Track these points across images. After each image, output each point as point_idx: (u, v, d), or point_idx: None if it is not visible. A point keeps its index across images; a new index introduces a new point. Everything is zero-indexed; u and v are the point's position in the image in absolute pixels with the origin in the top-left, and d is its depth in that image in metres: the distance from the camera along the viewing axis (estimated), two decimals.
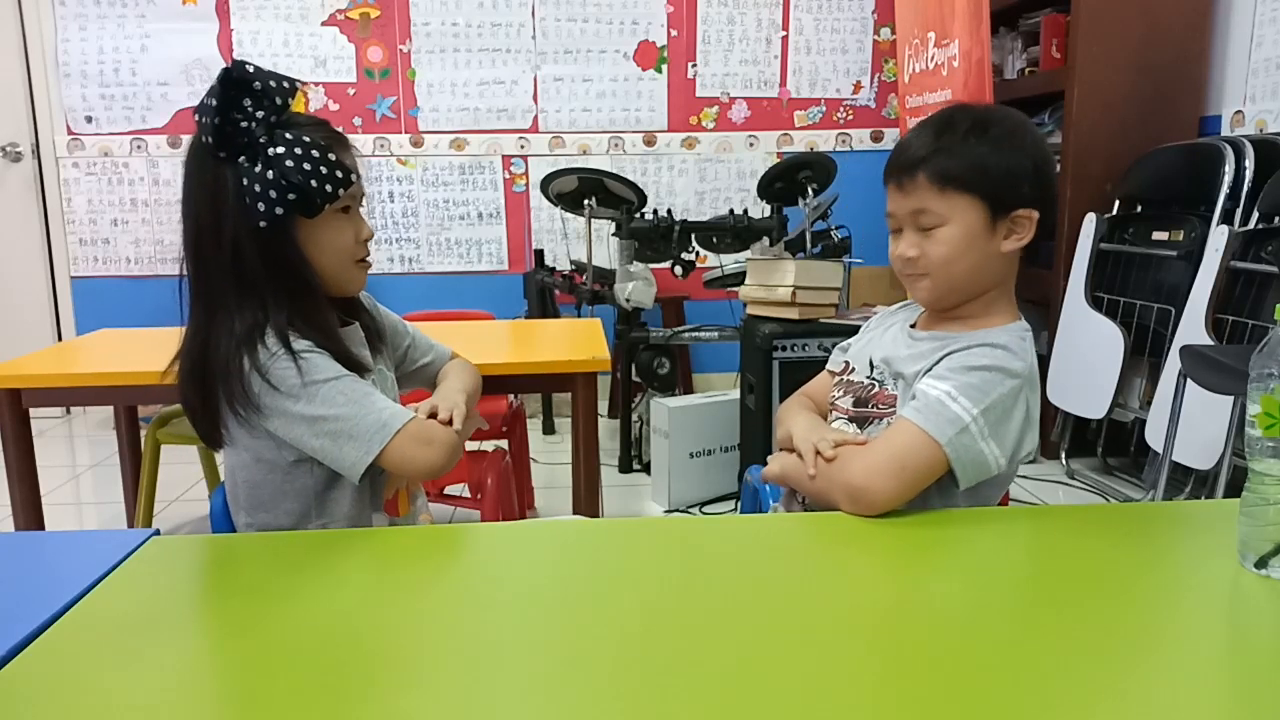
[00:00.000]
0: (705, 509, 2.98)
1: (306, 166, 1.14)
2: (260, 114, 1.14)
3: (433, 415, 1.24)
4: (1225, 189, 2.73)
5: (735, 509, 2.91)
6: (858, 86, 4.18)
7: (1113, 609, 0.85)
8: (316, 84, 4.02)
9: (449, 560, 1.02)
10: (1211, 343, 2.60)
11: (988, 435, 1.11)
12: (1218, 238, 2.68)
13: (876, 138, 4.21)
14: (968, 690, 0.71)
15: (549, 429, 3.88)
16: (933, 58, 3.50)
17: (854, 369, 1.32)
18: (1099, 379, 2.96)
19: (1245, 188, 2.70)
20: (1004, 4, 3.44)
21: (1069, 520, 1.11)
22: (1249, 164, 2.70)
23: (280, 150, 1.13)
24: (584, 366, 1.95)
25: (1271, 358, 0.87)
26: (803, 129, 4.19)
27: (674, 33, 4.09)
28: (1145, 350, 2.93)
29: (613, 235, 3.44)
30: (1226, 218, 2.72)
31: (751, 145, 4.18)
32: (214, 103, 1.11)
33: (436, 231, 4.16)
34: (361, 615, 0.86)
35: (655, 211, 3.40)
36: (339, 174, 1.17)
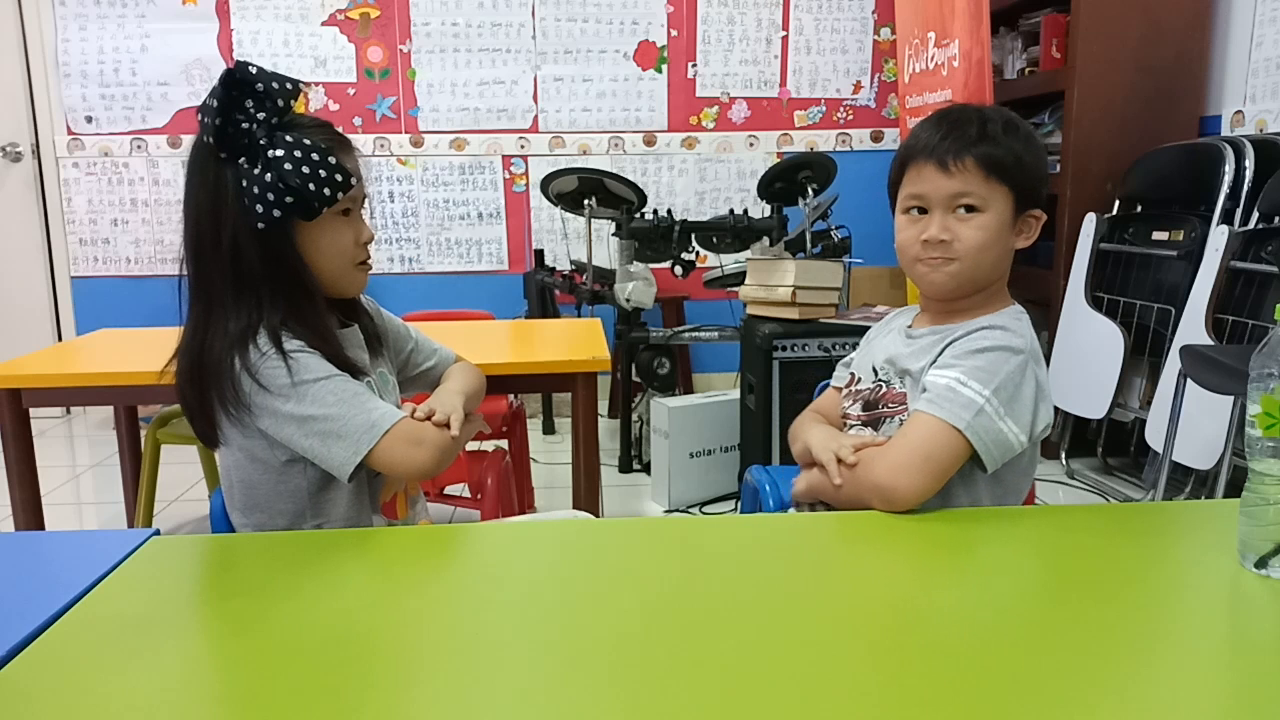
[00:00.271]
0: (705, 509, 2.98)
1: (305, 170, 1.14)
2: (261, 115, 1.14)
3: (429, 417, 1.24)
4: (1225, 189, 2.73)
5: (735, 509, 2.91)
6: (858, 86, 4.18)
7: (1112, 609, 0.85)
8: (316, 84, 4.02)
9: (449, 560, 1.02)
10: (1211, 343, 2.60)
11: (1003, 414, 1.12)
12: (1218, 238, 2.68)
13: (876, 138, 4.21)
14: (967, 689, 0.71)
15: (549, 429, 3.88)
16: (933, 58, 3.50)
17: (859, 379, 1.33)
18: (1099, 379, 2.96)
19: (1245, 188, 2.70)
20: (1004, 4, 3.44)
21: (1069, 520, 1.11)
22: (1249, 164, 2.70)
23: (279, 153, 1.13)
24: (584, 366, 1.95)
25: (1271, 358, 0.87)
26: (803, 129, 4.19)
27: (674, 33, 4.09)
28: (1145, 350, 2.93)
29: (613, 235, 3.44)
30: (1226, 218, 2.72)
31: (751, 145, 4.18)
32: (215, 103, 1.11)
33: (436, 231, 4.16)
34: (362, 615, 0.86)
35: (655, 211, 3.40)
36: (338, 177, 1.16)
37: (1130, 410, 3.01)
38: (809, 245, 3.15)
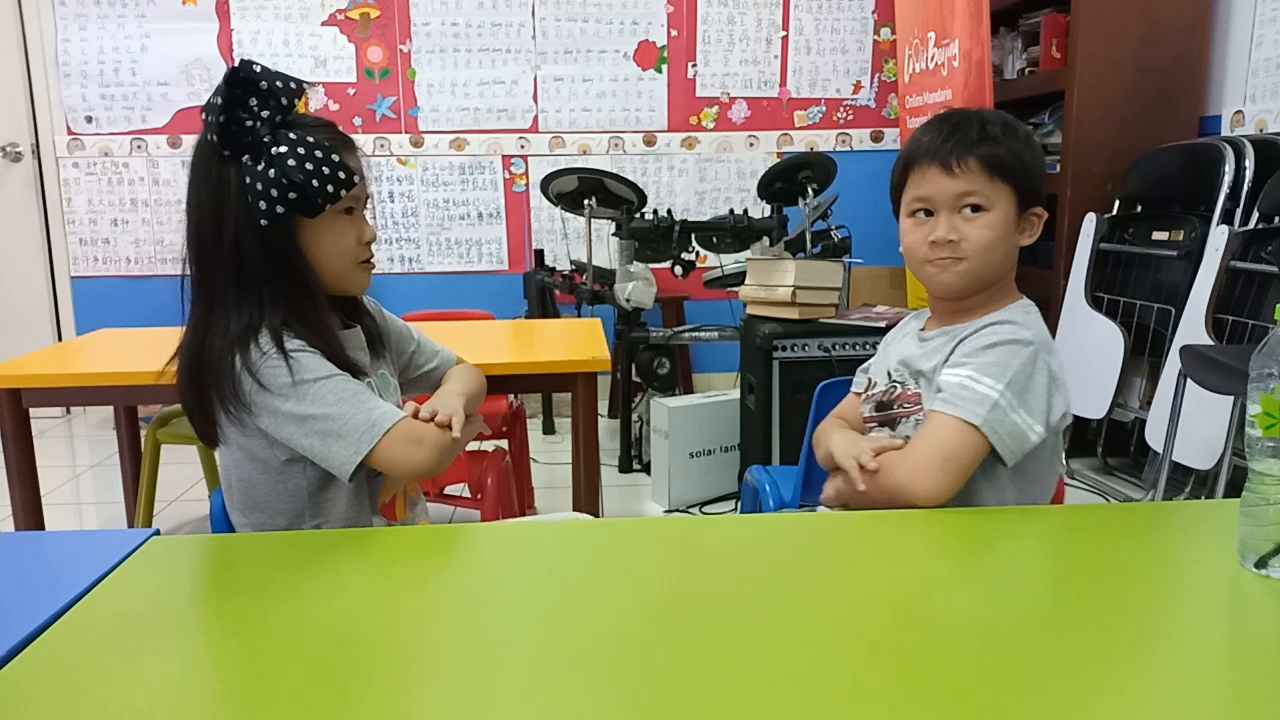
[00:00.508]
0: (705, 509, 2.98)
1: (309, 166, 1.14)
2: (265, 113, 1.14)
3: (432, 418, 1.24)
4: (1225, 189, 2.73)
5: (735, 509, 2.91)
6: (858, 86, 4.18)
7: (1112, 609, 0.85)
8: (316, 84, 4.01)
9: (449, 560, 1.02)
10: (1211, 343, 2.60)
11: (1017, 406, 1.13)
12: (1218, 238, 2.68)
13: (876, 138, 4.21)
14: (967, 689, 0.71)
15: (549, 429, 3.88)
16: (933, 58, 3.50)
17: (875, 384, 1.35)
18: (1099, 379, 2.96)
19: (1245, 188, 2.70)
20: (1004, 4, 3.44)
21: (1069, 520, 1.11)
22: (1249, 164, 2.70)
23: (283, 149, 1.13)
24: (584, 366, 1.95)
25: (1271, 358, 0.87)
26: (803, 129, 4.19)
27: (674, 33, 4.09)
28: (1145, 350, 2.93)
29: (613, 235, 3.44)
30: (1226, 218, 2.72)
31: (751, 145, 4.18)
32: (219, 101, 1.11)
33: (436, 231, 4.16)
34: (361, 615, 0.86)
35: (655, 211, 3.40)
36: (341, 175, 1.17)
37: (1130, 410, 3.01)
38: (809, 245, 3.15)
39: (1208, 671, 0.76)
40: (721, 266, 3.38)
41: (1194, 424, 2.55)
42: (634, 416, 3.34)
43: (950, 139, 1.19)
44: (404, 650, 0.79)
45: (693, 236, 3.40)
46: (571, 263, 3.77)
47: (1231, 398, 2.38)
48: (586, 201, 3.35)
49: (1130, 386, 3.02)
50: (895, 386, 1.29)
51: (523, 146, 4.12)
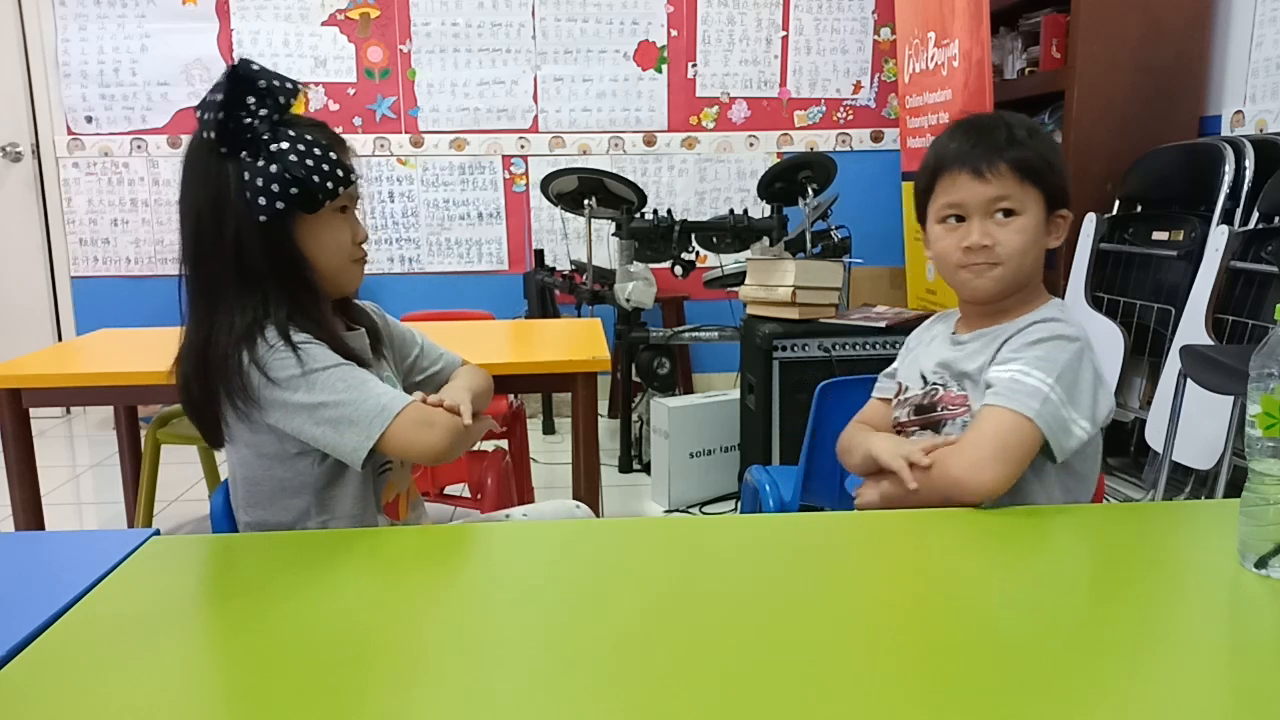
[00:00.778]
0: (705, 509, 2.98)
1: (309, 162, 1.15)
2: (264, 112, 1.14)
3: (439, 405, 1.24)
4: (1225, 189, 2.73)
5: (735, 509, 2.91)
6: (858, 86, 4.18)
7: (1112, 609, 0.85)
8: (316, 84, 4.02)
9: (449, 560, 1.02)
10: (1211, 343, 2.60)
11: (1066, 402, 1.13)
12: (1218, 238, 2.68)
13: (876, 138, 4.21)
14: (967, 688, 0.71)
15: (549, 429, 3.88)
16: (933, 58, 3.50)
17: (907, 388, 1.33)
18: None
19: (1245, 188, 2.70)
20: (1004, 4, 3.44)
21: (1069, 520, 1.11)
22: (1249, 164, 2.70)
23: (284, 145, 1.14)
24: (584, 366, 1.95)
25: (1271, 358, 0.87)
26: (803, 129, 4.19)
27: (674, 33, 4.09)
28: (1145, 350, 2.93)
29: (613, 235, 3.44)
30: (1226, 218, 2.72)
31: (751, 145, 4.18)
32: (220, 98, 1.12)
33: (436, 231, 4.16)
34: (362, 615, 0.86)
35: (655, 211, 3.40)
36: (339, 171, 1.18)
37: (1130, 410, 3.01)
38: (809, 245, 3.15)
39: (1208, 671, 0.76)
40: (721, 266, 3.38)
41: (1194, 424, 2.55)
42: (634, 416, 3.34)
43: (979, 144, 1.19)
44: (404, 650, 0.79)
45: (693, 236, 3.40)
46: (571, 263, 3.77)
47: (1231, 398, 2.37)
48: (586, 201, 3.35)
49: (1130, 386, 3.02)
50: (936, 389, 1.27)
51: (523, 146, 4.12)
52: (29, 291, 4.09)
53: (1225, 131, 3.03)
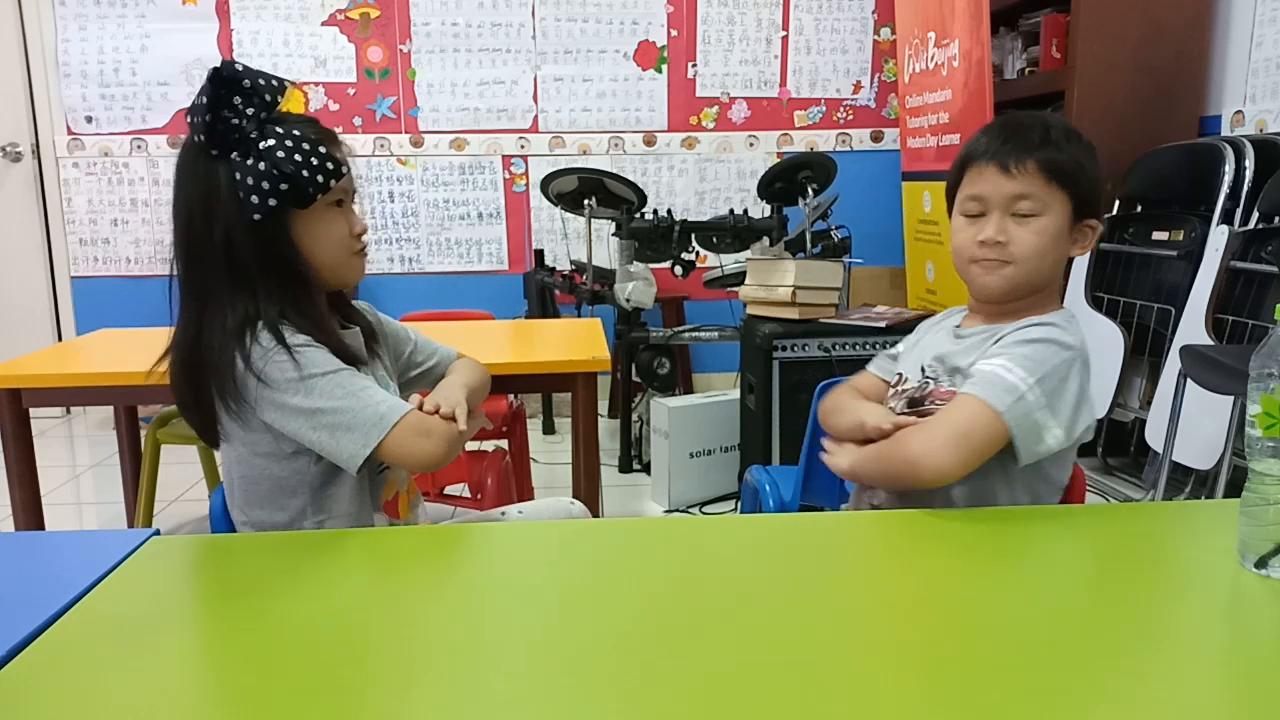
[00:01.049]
0: (705, 509, 2.98)
1: (298, 158, 1.15)
2: (250, 111, 1.15)
3: (435, 411, 1.24)
4: (1225, 189, 2.73)
5: (735, 509, 2.91)
6: (858, 86, 4.18)
7: (1112, 609, 0.85)
8: (316, 84, 4.02)
9: (448, 560, 1.02)
10: (1211, 343, 2.60)
11: (1044, 405, 1.11)
12: (1218, 238, 2.68)
13: (876, 138, 4.21)
14: (967, 688, 0.71)
15: (549, 429, 3.88)
16: (933, 58, 3.50)
17: (906, 378, 1.33)
18: (1099, 379, 2.96)
19: (1245, 188, 2.70)
20: (1004, 4, 3.44)
21: (1068, 520, 1.11)
22: (1249, 164, 2.70)
23: (271, 143, 1.14)
24: (584, 366, 1.95)
25: (1271, 358, 0.87)
26: (803, 129, 4.19)
27: (674, 33, 4.09)
28: (1145, 350, 2.93)
29: (613, 235, 3.44)
30: (1226, 218, 2.72)
31: (751, 145, 4.18)
32: (204, 100, 1.12)
33: (436, 231, 4.16)
34: (361, 615, 0.86)
35: (655, 211, 3.40)
36: (329, 166, 1.18)
37: (1130, 410, 3.01)
38: (809, 245, 3.15)
39: (1208, 671, 0.76)
40: (721, 266, 3.38)
41: (1194, 424, 2.55)
42: (634, 416, 3.33)
43: (1011, 141, 1.18)
44: (404, 650, 0.79)
45: (693, 236, 3.40)
46: (571, 263, 3.77)
47: (1231, 398, 2.37)
48: (586, 201, 3.35)
49: (1130, 386, 3.02)
50: (928, 383, 1.27)
51: (523, 146, 4.12)
52: (29, 291, 4.09)
53: (1225, 131, 3.03)
